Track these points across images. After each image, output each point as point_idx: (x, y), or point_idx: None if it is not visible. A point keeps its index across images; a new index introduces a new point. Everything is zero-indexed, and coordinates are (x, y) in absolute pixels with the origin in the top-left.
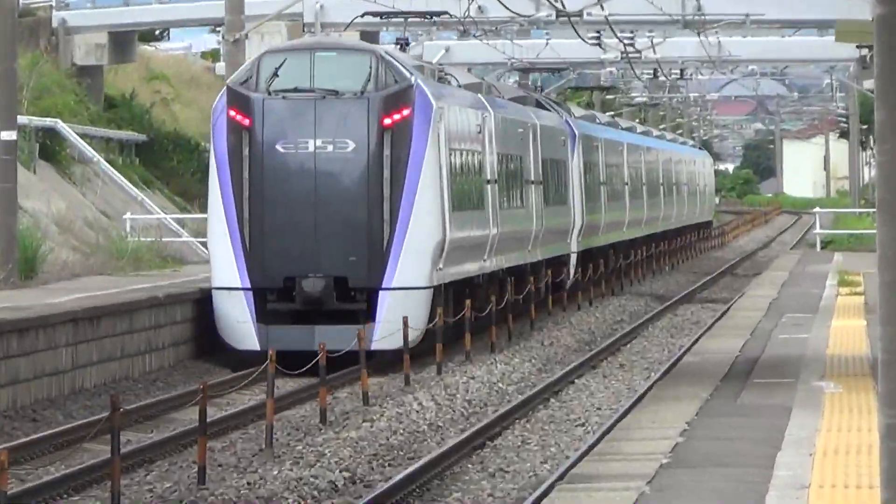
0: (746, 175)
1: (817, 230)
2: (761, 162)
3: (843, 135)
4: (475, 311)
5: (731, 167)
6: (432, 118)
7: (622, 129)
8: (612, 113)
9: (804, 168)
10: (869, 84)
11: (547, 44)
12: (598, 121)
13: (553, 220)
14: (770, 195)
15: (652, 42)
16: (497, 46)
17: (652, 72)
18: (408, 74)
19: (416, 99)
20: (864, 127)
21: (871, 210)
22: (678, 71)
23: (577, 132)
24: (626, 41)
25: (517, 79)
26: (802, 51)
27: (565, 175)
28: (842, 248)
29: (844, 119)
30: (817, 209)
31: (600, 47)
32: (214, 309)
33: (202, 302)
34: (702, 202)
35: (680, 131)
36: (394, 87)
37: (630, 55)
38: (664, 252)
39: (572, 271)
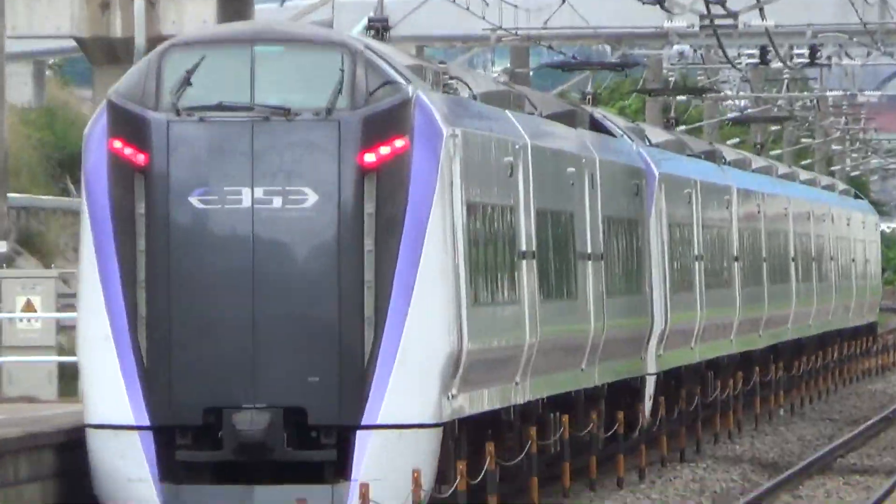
0: None
1: None
2: None
3: None
4: (502, 462)
5: (877, 223)
6: (442, 153)
7: (727, 163)
8: (685, 127)
9: None
10: None
11: (564, 1)
12: (688, 151)
13: (620, 319)
14: None
15: None
16: (471, 5)
17: (758, 52)
18: (402, 81)
19: (417, 122)
20: None
21: None
22: (805, 49)
23: (656, 172)
24: None
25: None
26: None
27: (639, 244)
28: None
29: None
30: None
31: (663, 7)
32: (90, 459)
33: (69, 449)
34: (860, 291)
35: (807, 161)
36: (380, 104)
37: (717, 23)
38: (794, 379)
39: (648, 406)
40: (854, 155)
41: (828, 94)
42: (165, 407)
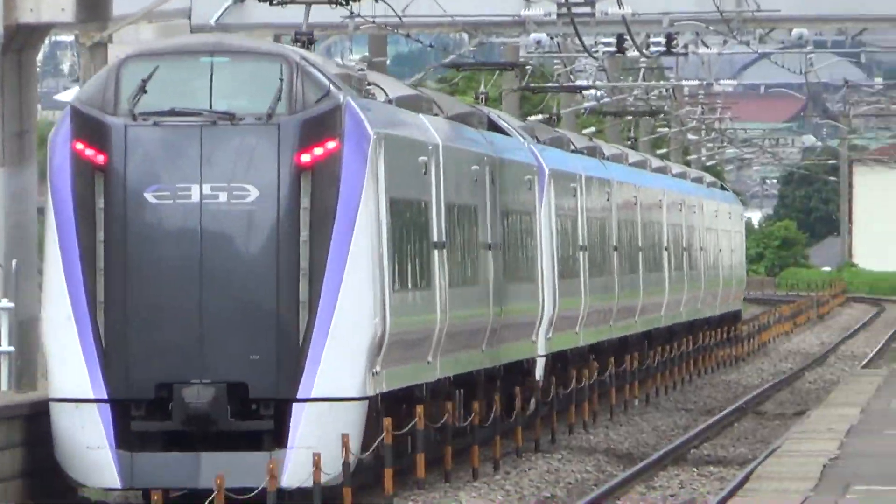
0: (786, 232)
1: None
2: (813, 208)
3: None
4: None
5: (757, 217)
6: (369, 153)
7: (606, 158)
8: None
9: (892, 218)
10: None
11: None
12: (571, 146)
13: (515, 304)
14: (828, 269)
15: None
16: None
17: (614, 40)
18: (334, 89)
19: (347, 125)
20: None
21: None
22: (662, 38)
23: (546, 168)
24: None
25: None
26: (892, 1)
27: (531, 235)
28: None
29: None
30: None
31: None
32: (53, 430)
33: (37, 421)
34: (727, 281)
35: (664, 150)
36: (315, 109)
37: (574, 11)
38: (667, 364)
39: (540, 383)
40: (710, 144)
41: (684, 83)
42: (121, 382)
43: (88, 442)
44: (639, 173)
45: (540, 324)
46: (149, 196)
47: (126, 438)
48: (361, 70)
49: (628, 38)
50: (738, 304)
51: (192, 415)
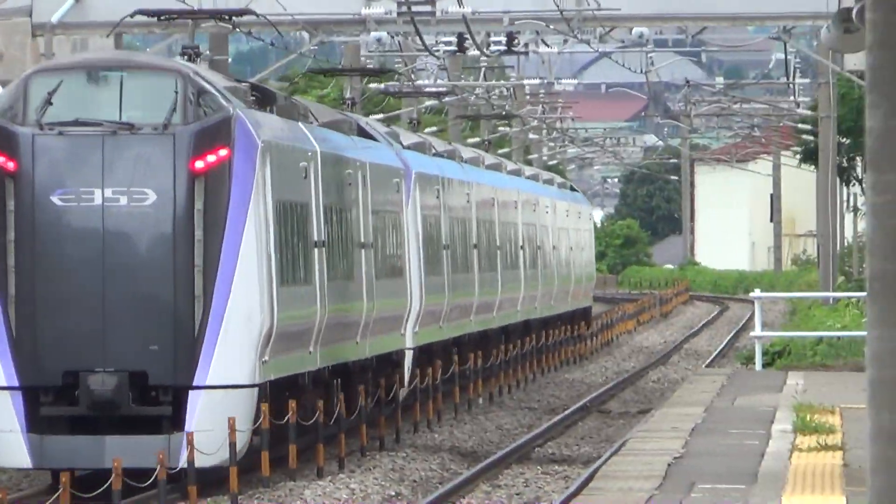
0: (628, 230)
1: (757, 332)
2: (655, 207)
3: (808, 156)
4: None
5: (599, 216)
6: (257, 160)
7: (465, 161)
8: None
9: (734, 217)
10: (857, 61)
11: None
12: (433, 150)
13: (386, 300)
14: (671, 267)
15: None
16: None
17: (455, 39)
18: (224, 101)
19: (237, 134)
20: (845, 141)
21: (858, 294)
22: (502, 37)
23: (412, 171)
24: None
25: (206, 54)
26: (732, 0)
27: (400, 234)
28: (802, 364)
29: (809, 129)
30: (757, 292)
31: None
32: None
33: None
34: (578, 277)
35: (505, 149)
36: (207, 120)
37: (414, 10)
38: (511, 362)
39: (407, 377)
40: (551, 144)
41: (525, 82)
42: (31, 370)
43: (1, 425)
44: (495, 175)
45: (408, 318)
46: (55, 199)
47: (36, 422)
48: (244, 82)
49: (469, 37)
50: (588, 300)
51: (97, 401)
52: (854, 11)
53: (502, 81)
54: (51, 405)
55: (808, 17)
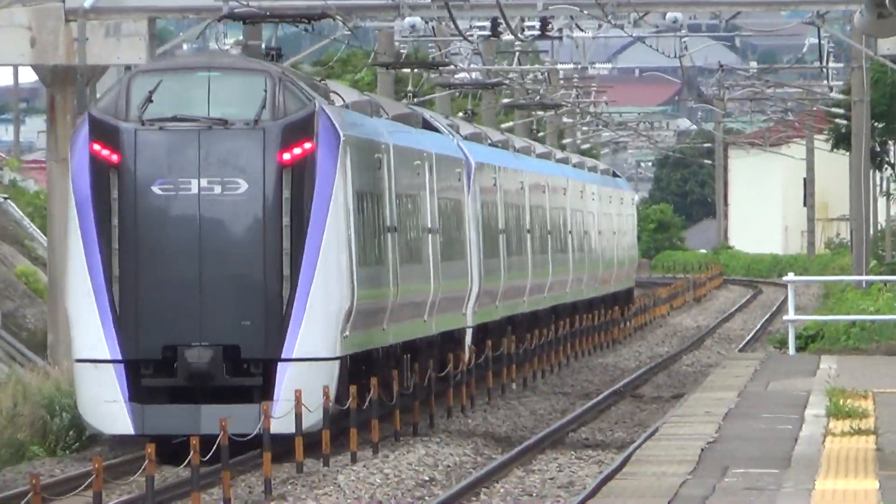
0: (661, 215)
1: (790, 315)
2: (689, 192)
3: (840, 141)
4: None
5: (633, 199)
6: (339, 152)
7: (517, 150)
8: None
9: (767, 201)
10: (891, 45)
11: None
12: (488, 140)
13: (450, 281)
14: (704, 251)
15: None
16: None
17: (489, 23)
18: (308, 99)
19: (321, 129)
20: (879, 125)
21: (891, 278)
22: (536, 22)
23: (471, 161)
24: None
25: (239, 39)
26: None
27: (461, 220)
28: (836, 348)
29: (842, 113)
30: (790, 276)
31: None
32: (76, 386)
33: None
34: (621, 260)
35: (541, 133)
36: (294, 115)
37: None
38: (545, 347)
39: (467, 353)
40: (585, 128)
41: (559, 66)
42: (133, 345)
43: (106, 396)
44: (545, 164)
45: (468, 298)
46: (155, 189)
47: (137, 393)
48: (324, 80)
49: (503, 21)
50: (631, 281)
51: (194, 372)
52: None
53: (536, 66)
54: (151, 377)
55: (842, 1)
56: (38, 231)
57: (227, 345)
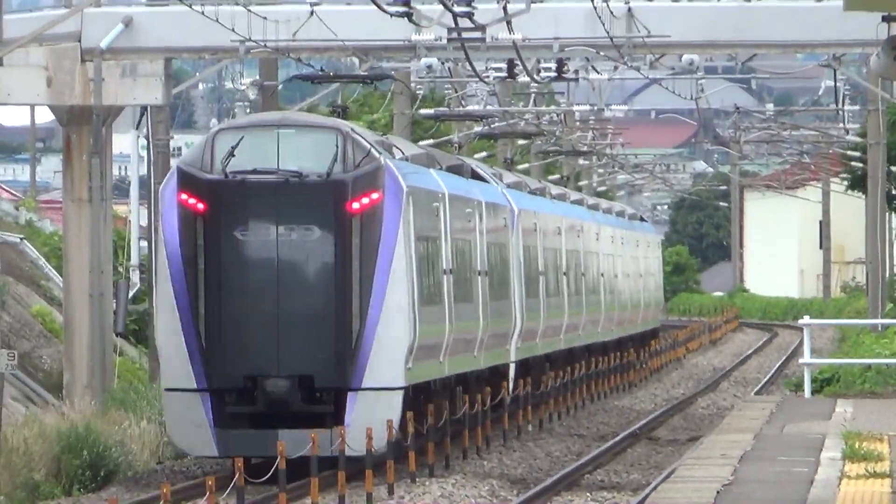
0: (677, 257)
1: (806, 359)
2: (705, 234)
3: (856, 183)
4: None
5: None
6: (403, 202)
7: (554, 197)
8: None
9: (783, 244)
10: None
11: (312, 13)
12: (527, 188)
13: (497, 319)
14: (720, 294)
15: (505, 10)
16: (220, 16)
17: (505, 65)
18: (376, 153)
19: (386, 181)
20: (893, 168)
21: None
22: (553, 64)
23: (515, 208)
24: (457, 8)
25: (256, 79)
26: (783, 27)
27: (506, 263)
28: (851, 391)
29: (858, 156)
30: (806, 319)
31: (410, 20)
32: (166, 412)
33: None
34: (647, 302)
35: (556, 175)
36: (362, 169)
37: (465, 36)
38: (560, 389)
39: (511, 386)
40: (601, 170)
41: (575, 108)
42: (217, 375)
43: (193, 421)
44: (578, 210)
45: (512, 335)
46: (237, 234)
47: (222, 418)
48: (385, 136)
49: (519, 63)
50: (656, 321)
51: (272, 400)
52: None
53: (552, 107)
54: (233, 404)
55: (858, 44)
56: (54, 271)
57: (302, 375)
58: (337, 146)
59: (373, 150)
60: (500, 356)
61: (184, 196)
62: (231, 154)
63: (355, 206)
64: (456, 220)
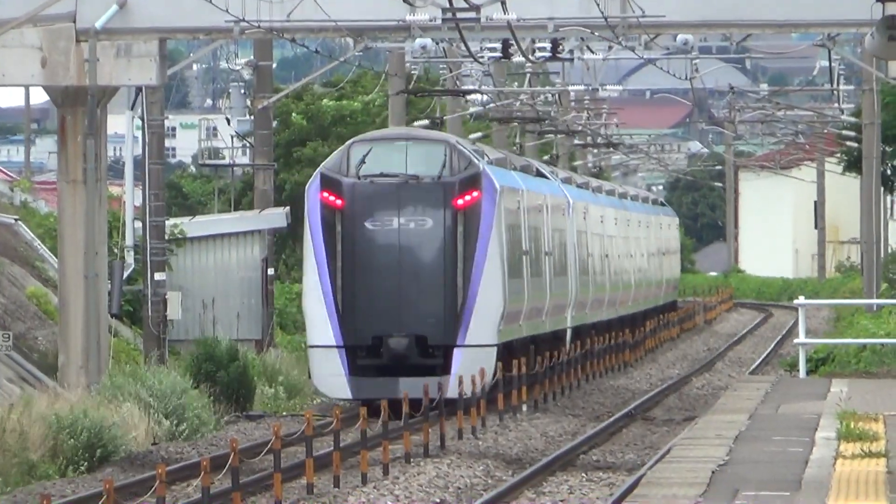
0: None
1: (801, 339)
2: (700, 215)
3: (851, 164)
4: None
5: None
6: (496, 199)
7: (594, 189)
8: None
9: (778, 224)
10: None
11: None
12: (577, 183)
13: (558, 292)
14: (715, 274)
15: None
16: None
17: (500, 45)
18: (476, 160)
19: (484, 183)
20: (891, 149)
21: None
22: (547, 44)
23: (570, 200)
24: None
25: (251, 59)
26: (777, 7)
27: (564, 245)
28: (846, 371)
29: (852, 136)
30: (801, 299)
31: (405, 0)
32: (310, 364)
33: None
34: (668, 278)
35: (547, 156)
36: (465, 173)
37: (459, 17)
38: (555, 369)
39: (567, 348)
40: (596, 150)
41: (570, 88)
42: (351, 335)
43: (332, 371)
44: (615, 200)
45: (569, 306)
46: (368, 224)
47: (354, 369)
48: (475, 143)
49: (514, 43)
50: (674, 295)
51: (394, 355)
52: None
53: (547, 87)
54: (364, 358)
55: (853, 24)
56: (49, 252)
57: (418, 335)
58: (445, 155)
59: (473, 158)
60: (560, 322)
61: (325, 194)
62: (362, 161)
63: (460, 202)
64: (530, 212)
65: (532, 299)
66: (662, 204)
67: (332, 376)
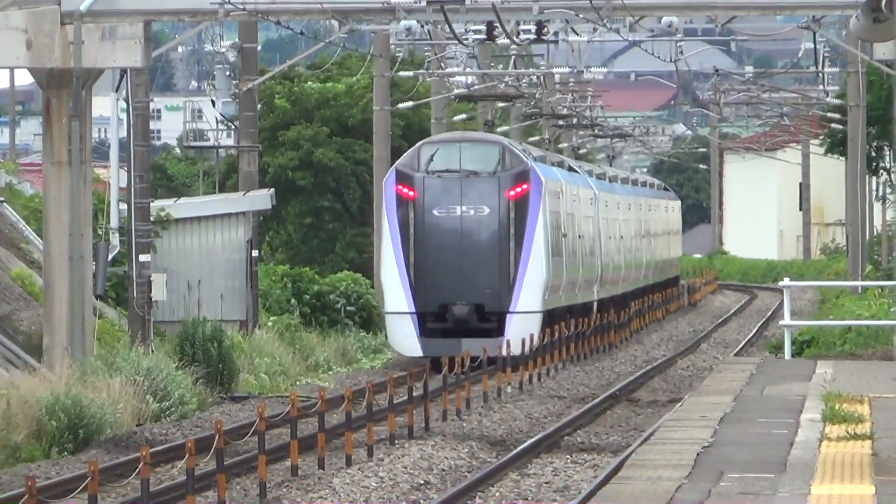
0: None
1: (786, 320)
2: (685, 197)
3: (835, 145)
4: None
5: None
6: (542, 192)
7: (610, 178)
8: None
9: (762, 206)
10: (886, 50)
11: None
12: (597, 174)
13: (588, 269)
14: (699, 256)
15: None
16: None
17: (485, 27)
18: (524, 159)
19: (532, 177)
20: (876, 130)
21: (886, 283)
22: (532, 26)
23: (597, 192)
24: None
25: (236, 42)
26: None
27: (592, 230)
28: (831, 353)
29: (837, 117)
30: (786, 281)
31: None
32: (387, 327)
33: None
34: (672, 255)
35: (535, 137)
36: (516, 169)
37: None
38: (542, 349)
39: (593, 318)
40: (581, 133)
41: (554, 70)
42: (422, 303)
43: (406, 333)
44: (628, 188)
45: (597, 281)
46: (435, 212)
47: (424, 331)
48: (524, 145)
49: (498, 25)
50: (677, 270)
51: (458, 320)
52: (883, 1)
53: (532, 70)
54: (432, 322)
55: (838, 6)
56: (34, 234)
57: (477, 303)
58: (499, 154)
59: (522, 156)
60: (589, 295)
61: (399, 187)
62: (431, 158)
63: (511, 193)
64: (568, 201)
65: (569, 274)
66: (666, 189)
67: (405, 337)
